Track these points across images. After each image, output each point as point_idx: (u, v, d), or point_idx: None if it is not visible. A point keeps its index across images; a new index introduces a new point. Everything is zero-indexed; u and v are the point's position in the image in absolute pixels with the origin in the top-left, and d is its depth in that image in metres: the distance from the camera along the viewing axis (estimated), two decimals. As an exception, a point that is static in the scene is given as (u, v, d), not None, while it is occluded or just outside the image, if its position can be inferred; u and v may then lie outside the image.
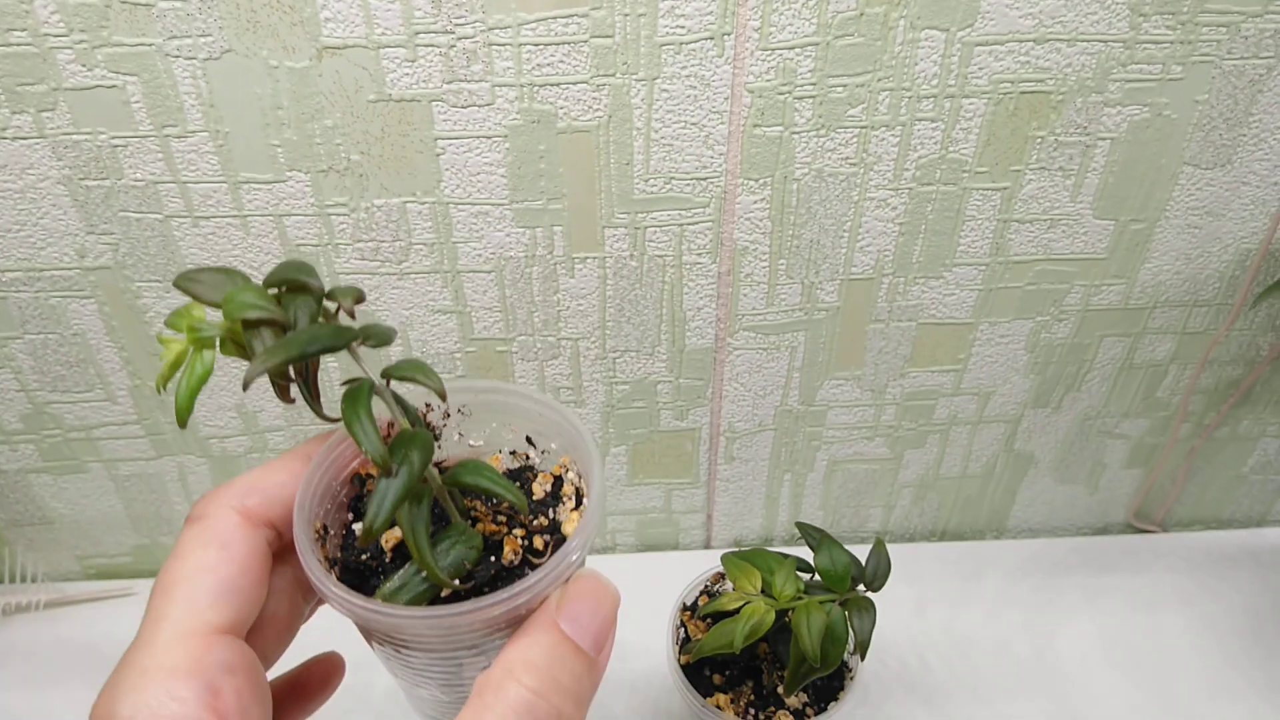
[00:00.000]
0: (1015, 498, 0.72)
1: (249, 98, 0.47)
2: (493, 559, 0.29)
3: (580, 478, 0.32)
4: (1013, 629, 0.65)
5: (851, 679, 0.52)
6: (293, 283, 0.25)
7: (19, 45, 0.45)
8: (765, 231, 0.55)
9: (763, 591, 0.48)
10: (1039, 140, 0.52)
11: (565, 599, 0.27)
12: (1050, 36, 0.48)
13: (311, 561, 0.27)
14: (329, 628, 0.34)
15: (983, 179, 0.53)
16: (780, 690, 0.52)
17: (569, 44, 0.47)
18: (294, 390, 0.27)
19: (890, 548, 0.49)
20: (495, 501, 0.31)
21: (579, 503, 0.32)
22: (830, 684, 0.53)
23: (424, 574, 0.27)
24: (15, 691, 0.60)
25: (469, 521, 0.30)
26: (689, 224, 0.54)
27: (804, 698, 0.52)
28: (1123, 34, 0.48)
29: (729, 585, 0.56)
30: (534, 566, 0.29)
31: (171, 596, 0.26)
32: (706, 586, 0.57)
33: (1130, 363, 0.63)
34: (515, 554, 0.29)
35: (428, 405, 0.32)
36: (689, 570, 0.57)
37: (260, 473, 0.29)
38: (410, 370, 0.27)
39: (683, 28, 0.47)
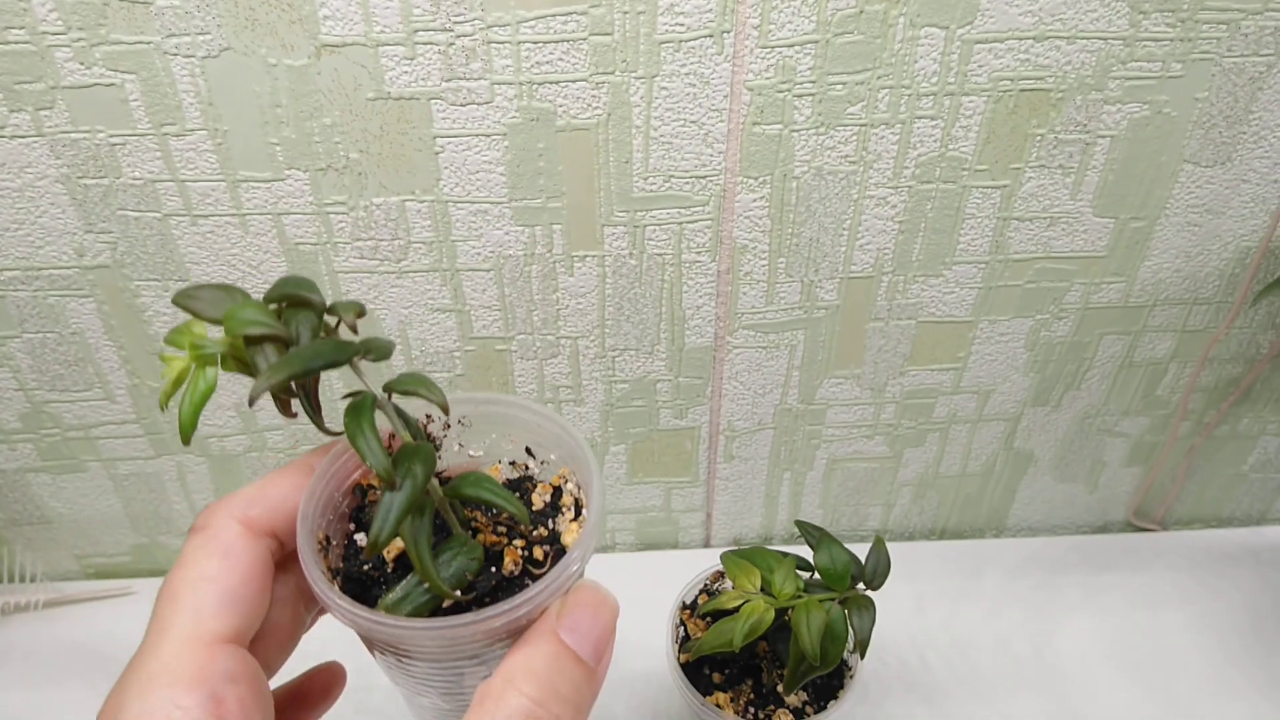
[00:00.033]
0: (1015, 496, 0.72)
1: (247, 96, 0.47)
2: (493, 570, 0.29)
3: (579, 488, 0.33)
4: (1012, 627, 0.65)
5: (851, 677, 0.52)
6: (293, 298, 0.25)
7: (17, 43, 0.45)
8: (765, 230, 0.54)
9: (762, 590, 0.48)
10: (1039, 138, 0.52)
11: (565, 609, 0.28)
12: (1050, 34, 0.48)
13: (315, 572, 0.27)
14: (330, 637, 0.35)
15: (982, 177, 0.53)
16: (780, 689, 0.52)
17: (568, 42, 0.46)
18: (295, 404, 0.27)
19: (890, 546, 0.49)
20: (495, 512, 0.31)
21: (578, 513, 0.32)
22: (830, 682, 0.53)
23: (426, 585, 0.27)
24: (14, 691, 0.60)
25: (470, 532, 0.30)
26: (688, 222, 0.54)
27: (803, 696, 0.52)
28: (1122, 31, 0.48)
29: (728, 584, 0.56)
30: (534, 577, 0.30)
31: (176, 605, 0.27)
32: (706, 585, 0.57)
33: (1130, 361, 0.63)
34: (516, 564, 0.30)
35: (428, 416, 0.32)
36: (688, 569, 0.57)
37: (263, 484, 0.29)
38: (413, 384, 0.27)
39: (682, 25, 0.47)
